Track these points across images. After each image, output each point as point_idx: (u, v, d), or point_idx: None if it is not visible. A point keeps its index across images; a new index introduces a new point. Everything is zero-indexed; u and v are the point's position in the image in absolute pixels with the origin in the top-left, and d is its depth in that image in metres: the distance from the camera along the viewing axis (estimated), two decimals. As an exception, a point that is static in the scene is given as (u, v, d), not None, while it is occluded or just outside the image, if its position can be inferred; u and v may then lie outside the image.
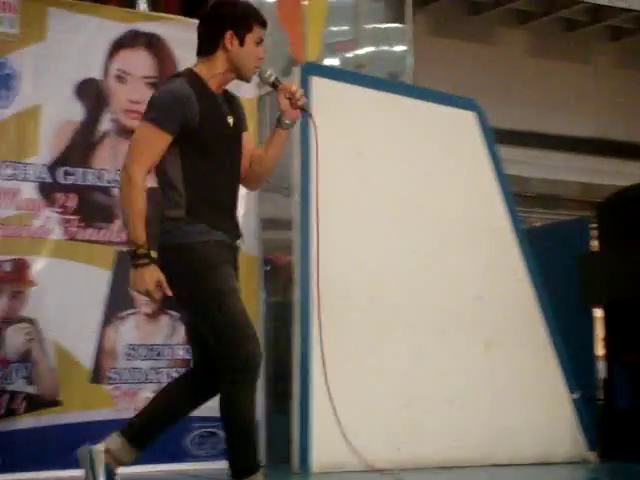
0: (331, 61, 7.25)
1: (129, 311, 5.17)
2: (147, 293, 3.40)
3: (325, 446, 5.14)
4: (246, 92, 5.61)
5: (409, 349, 5.44)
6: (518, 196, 6.84)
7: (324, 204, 5.28)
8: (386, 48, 7.70)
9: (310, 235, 5.22)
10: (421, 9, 9.67)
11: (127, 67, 5.29)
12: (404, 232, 5.55)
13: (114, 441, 3.59)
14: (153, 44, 5.35)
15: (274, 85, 3.65)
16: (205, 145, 3.50)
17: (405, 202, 5.58)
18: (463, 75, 10.01)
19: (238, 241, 3.69)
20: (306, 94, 5.27)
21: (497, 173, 5.89)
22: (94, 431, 4.98)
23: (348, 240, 5.36)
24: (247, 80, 3.68)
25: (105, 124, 5.20)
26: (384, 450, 5.27)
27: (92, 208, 5.13)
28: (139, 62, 5.33)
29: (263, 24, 3.62)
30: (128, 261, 3.49)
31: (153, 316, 5.24)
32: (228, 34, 3.55)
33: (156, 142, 3.43)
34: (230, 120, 3.60)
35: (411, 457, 5.33)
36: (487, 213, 5.83)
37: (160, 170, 3.55)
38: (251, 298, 5.52)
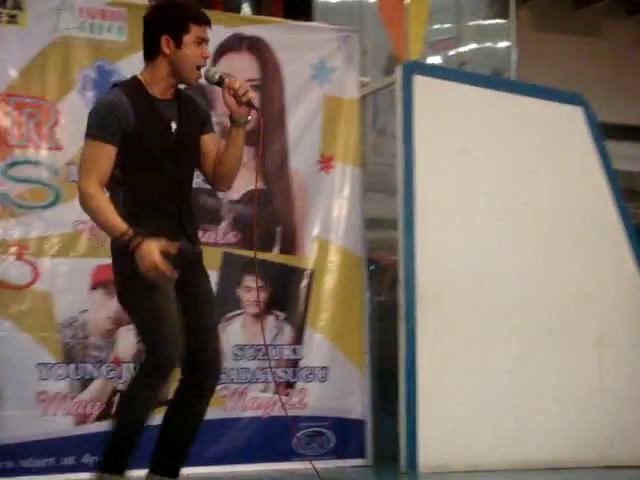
0: (433, 59, 7.24)
1: (236, 312, 5.24)
2: (156, 267, 3.32)
3: (432, 446, 5.12)
4: (348, 93, 5.65)
5: (516, 348, 5.37)
6: (627, 192, 6.68)
7: (428, 202, 5.27)
8: (489, 44, 7.65)
9: (414, 234, 5.21)
10: (524, 4, 9.54)
11: (231, 70, 5.33)
12: (509, 230, 5.48)
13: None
14: (257, 47, 5.41)
15: (219, 83, 3.51)
16: (143, 151, 3.45)
17: (510, 199, 5.51)
18: (569, 70, 9.84)
19: (189, 245, 3.57)
20: (409, 92, 5.34)
21: (605, 169, 5.77)
22: (203, 430, 5.08)
23: (453, 238, 5.33)
24: (191, 83, 3.54)
25: (210, 127, 5.28)
26: (491, 450, 5.23)
27: (198, 210, 5.20)
28: (243, 65, 5.40)
29: (202, 22, 3.49)
30: (125, 250, 3.36)
31: (259, 316, 5.30)
32: (164, 38, 3.45)
33: (99, 155, 3.40)
34: (173, 125, 3.51)
35: (519, 458, 5.27)
36: (595, 210, 5.72)
37: None
38: (356, 298, 5.55)
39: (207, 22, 3.52)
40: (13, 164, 4.85)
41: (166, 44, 3.46)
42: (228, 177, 3.66)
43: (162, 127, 3.49)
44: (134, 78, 3.56)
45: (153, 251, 3.32)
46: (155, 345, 3.41)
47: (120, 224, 3.36)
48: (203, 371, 3.54)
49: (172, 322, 3.41)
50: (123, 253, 3.38)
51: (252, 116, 3.57)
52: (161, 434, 3.58)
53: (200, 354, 3.52)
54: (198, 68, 3.49)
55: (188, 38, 3.45)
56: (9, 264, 4.82)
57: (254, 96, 3.50)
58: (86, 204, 3.42)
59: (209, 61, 3.57)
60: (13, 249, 4.84)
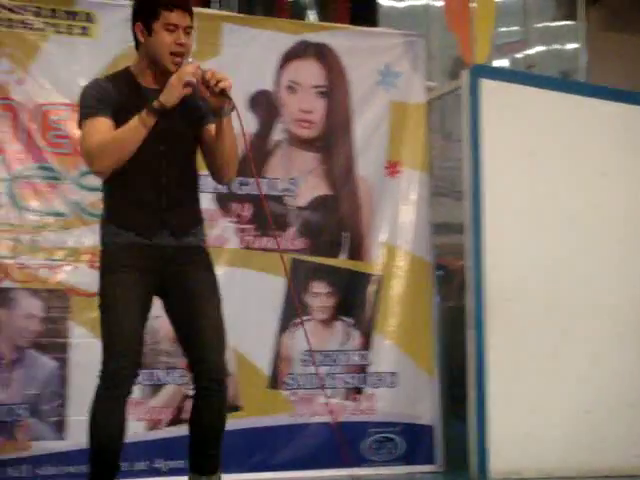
0: (500, 62, 7.18)
1: (304, 318, 5.25)
2: (189, 79, 3.33)
3: (503, 452, 5.07)
4: (414, 98, 5.63)
5: (587, 353, 5.30)
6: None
7: (496, 206, 5.23)
8: (557, 46, 7.57)
9: (482, 238, 5.18)
10: (594, 5, 9.40)
11: (298, 77, 5.39)
12: (579, 233, 5.41)
13: None
14: (322, 54, 5.43)
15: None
16: None
17: (580, 202, 5.44)
18: (640, 70, 9.67)
19: (171, 239, 3.49)
20: (475, 96, 5.31)
21: (678, 171, 5.66)
22: (272, 436, 5.12)
23: (522, 242, 5.28)
24: (169, 70, 3.42)
25: (277, 134, 5.32)
26: (564, 457, 5.16)
27: (265, 216, 5.24)
28: (309, 72, 5.42)
29: (173, 8, 3.40)
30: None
31: (327, 322, 5.31)
32: (137, 26, 3.45)
33: (96, 127, 3.37)
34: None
35: (592, 465, 5.19)
36: (669, 212, 5.62)
37: None
38: (424, 303, 5.53)
39: (181, 7, 3.44)
40: (85, 173, 4.93)
41: (140, 32, 3.46)
42: (225, 169, 3.56)
43: None
44: (125, 68, 3.58)
45: (182, 72, 3.34)
46: (106, 358, 3.42)
47: (134, 121, 3.32)
48: (201, 367, 3.50)
49: (125, 337, 3.40)
50: (102, 253, 3.49)
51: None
52: (189, 436, 3.61)
53: (197, 352, 3.50)
54: (174, 55, 3.43)
55: (158, 24, 3.41)
56: (82, 271, 4.91)
57: (229, 85, 3.38)
58: (102, 151, 3.35)
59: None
60: (85, 257, 4.92)
